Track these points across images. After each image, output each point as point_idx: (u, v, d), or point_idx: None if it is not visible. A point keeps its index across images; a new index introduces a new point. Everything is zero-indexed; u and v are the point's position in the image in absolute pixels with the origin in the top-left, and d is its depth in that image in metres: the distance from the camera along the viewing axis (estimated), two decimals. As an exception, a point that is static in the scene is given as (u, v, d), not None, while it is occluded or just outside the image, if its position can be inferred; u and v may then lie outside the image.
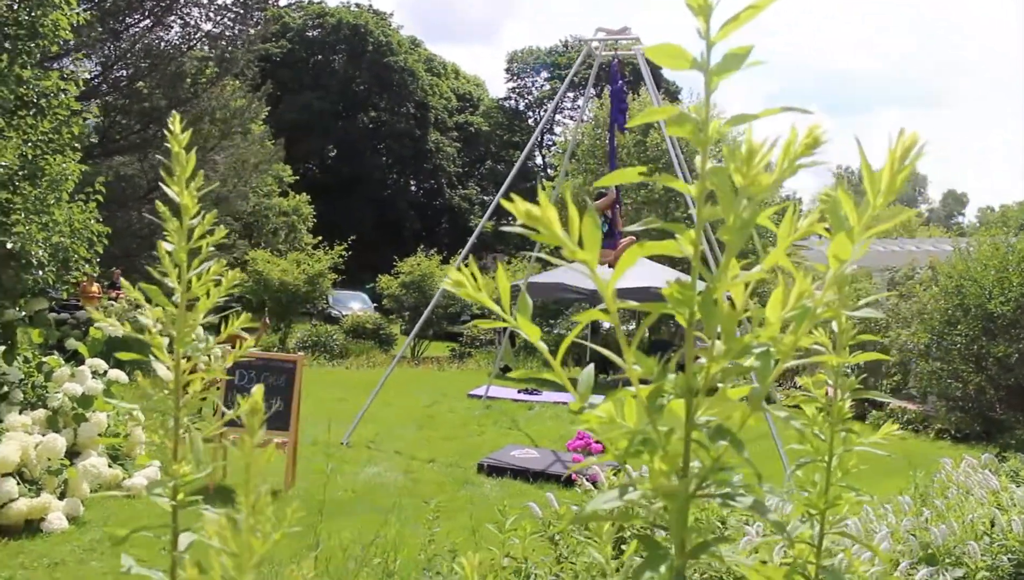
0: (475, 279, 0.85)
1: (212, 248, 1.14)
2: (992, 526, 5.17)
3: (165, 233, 1.10)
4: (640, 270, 20.25)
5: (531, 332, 0.85)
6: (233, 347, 1.43)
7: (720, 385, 0.82)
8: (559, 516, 5.29)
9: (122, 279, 1.28)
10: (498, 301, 0.86)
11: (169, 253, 1.11)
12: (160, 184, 1.09)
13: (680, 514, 0.76)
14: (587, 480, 5.72)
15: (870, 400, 18.01)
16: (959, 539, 4.89)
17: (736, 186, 0.77)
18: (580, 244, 0.77)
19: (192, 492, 1.10)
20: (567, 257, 0.80)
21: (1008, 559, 4.88)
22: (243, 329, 9.83)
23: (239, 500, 0.77)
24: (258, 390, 0.85)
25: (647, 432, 0.81)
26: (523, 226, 0.80)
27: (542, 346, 0.89)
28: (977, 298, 12.54)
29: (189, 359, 1.12)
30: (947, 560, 4.81)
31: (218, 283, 1.16)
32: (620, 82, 12.99)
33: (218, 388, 8.78)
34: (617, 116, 13.05)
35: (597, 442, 6.08)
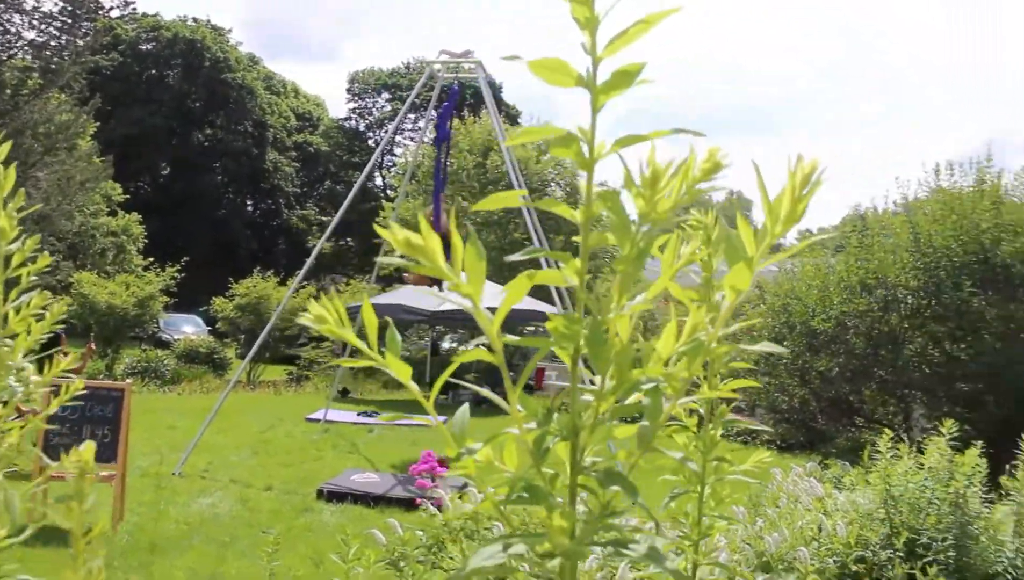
0: (339, 314, 0.78)
1: (34, 277, 1.00)
2: (820, 531, 5.40)
3: None
4: (494, 296, 20.29)
5: (401, 372, 0.78)
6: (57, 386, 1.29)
7: (608, 424, 0.77)
8: (403, 542, 5.19)
9: None
10: (363, 337, 0.79)
11: None
12: None
13: (570, 568, 0.70)
14: (431, 504, 5.63)
15: (695, 412, 18.62)
16: (790, 545, 5.08)
17: (639, 212, 0.72)
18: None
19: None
20: (452, 289, 0.73)
21: (834, 561, 5.12)
22: (64, 353, 9.28)
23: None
24: (88, 447, 0.74)
25: (530, 478, 0.75)
26: (403, 257, 0.74)
27: (414, 387, 0.82)
28: (801, 316, 13.13)
29: (6, 404, 0.98)
30: (780, 566, 4.98)
31: (41, 317, 1.01)
32: (447, 104, 13.00)
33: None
34: (441, 133, 13.09)
35: (442, 464, 6.02)
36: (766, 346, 0.86)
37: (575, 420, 0.76)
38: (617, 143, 0.77)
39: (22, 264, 0.96)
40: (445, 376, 0.84)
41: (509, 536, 0.72)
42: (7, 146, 0.96)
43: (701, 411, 1.25)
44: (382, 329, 0.78)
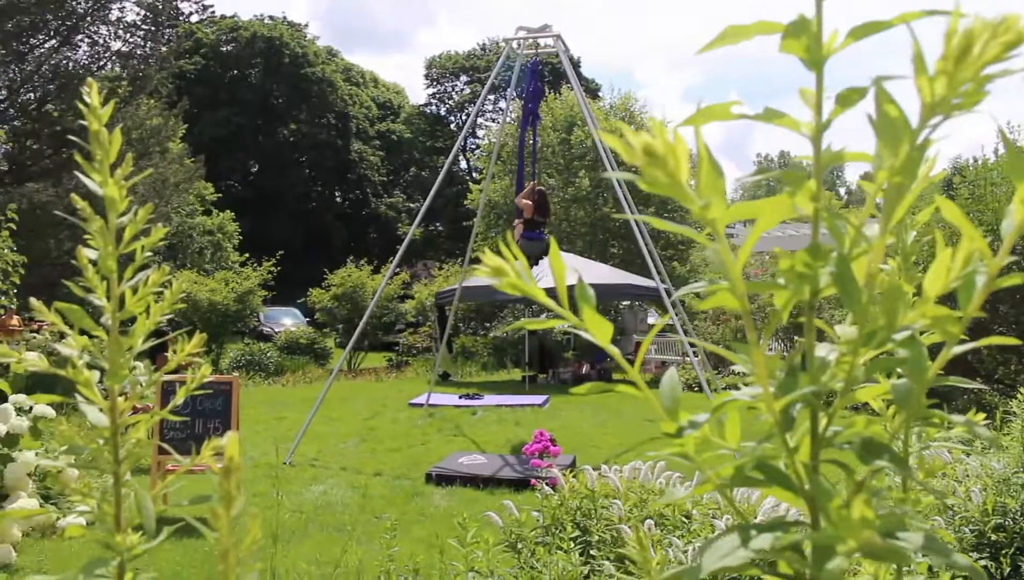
0: (520, 265, 0.64)
1: (149, 252, 0.88)
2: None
3: (87, 237, 0.84)
4: (592, 271, 20.18)
5: (600, 332, 0.65)
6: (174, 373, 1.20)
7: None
8: (519, 523, 5.11)
9: (35, 301, 0.97)
10: (552, 294, 0.65)
11: (93, 262, 0.85)
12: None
13: (821, 564, 0.56)
14: (546, 484, 5.53)
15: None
16: (923, 515, 4.83)
17: (929, 99, 0.57)
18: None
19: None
20: (696, 215, 0.60)
21: (970, 530, 4.88)
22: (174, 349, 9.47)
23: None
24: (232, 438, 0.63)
25: (765, 454, 0.61)
26: (634, 172, 0.60)
27: (614, 350, 0.68)
28: (918, 273, 12.68)
29: (126, 397, 0.87)
30: (915, 538, 4.76)
31: (159, 297, 0.90)
32: (535, 83, 12.79)
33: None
34: (530, 114, 12.93)
35: (555, 444, 5.91)
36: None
37: (815, 380, 0.62)
38: (852, 33, 0.62)
39: (135, 237, 0.85)
40: (646, 345, 0.71)
41: (746, 527, 0.58)
42: (110, 107, 0.86)
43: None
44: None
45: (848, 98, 0.60)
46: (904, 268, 0.96)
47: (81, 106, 0.86)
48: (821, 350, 0.64)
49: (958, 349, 0.65)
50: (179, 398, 0.94)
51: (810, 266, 0.60)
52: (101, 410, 0.82)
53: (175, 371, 1.09)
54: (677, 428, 0.65)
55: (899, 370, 0.67)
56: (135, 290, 0.86)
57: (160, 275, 0.89)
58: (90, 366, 0.85)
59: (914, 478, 0.60)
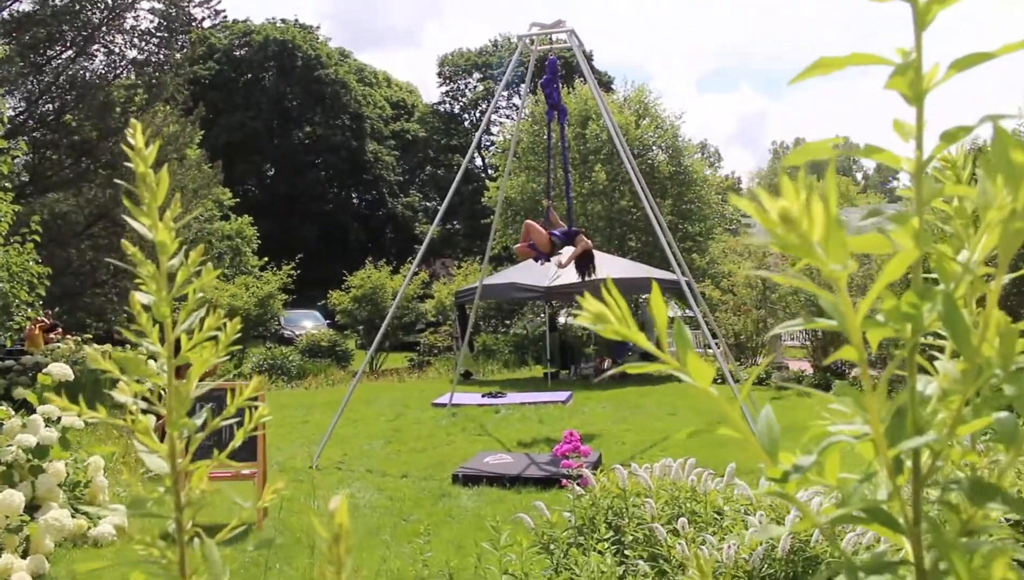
0: (623, 311, 0.62)
1: (199, 293, 0.86)
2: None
3: (137, 281, 0.81)
4: (611, 265, 20.17)
5: (702, 376, 0.62)
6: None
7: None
8: (551, 524, 5.08)
9: (91, 351, 0.94)
10: (644, 332, 0.62)
11: (146, 308, 0.83)
12: (122, 212, 0.81)
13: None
14: (577, 485, 5.51)
15: (830, 368, 18.03)
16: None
17: None
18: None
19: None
20: (825, 275, 0.57)
21: None
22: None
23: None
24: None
25: (865, 498, 0.59)
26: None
27: (714, 393, 0.66)
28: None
29: (188, 443, 0.84)
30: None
31: (215, 338, 0.88)
32: (549, 74, 12.55)
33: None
34: (554, 106, 12.63)
35: (585, 444, 5.88)
36: None
37: (917, 419, 0.59)
38: (955, 65, 0.60)
39: (187, 280, 0.83)
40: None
41: (854, 568, 0.56)
42: (155, 148, 0.84)
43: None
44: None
45: (954, 136, 0.58)
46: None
47: (126, 149, 0.84)
48: (926, 388, 0.62)
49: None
50: (237, 440, 0.93)
51: (916, 306, 0.57)
52: (161, 457, 0.81)
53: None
54: (782, 474, 0.63)
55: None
56: (190, 334, 0.84)
57: (215, 319, 0.87)
58: (145, 411, 0.84)
59: None
